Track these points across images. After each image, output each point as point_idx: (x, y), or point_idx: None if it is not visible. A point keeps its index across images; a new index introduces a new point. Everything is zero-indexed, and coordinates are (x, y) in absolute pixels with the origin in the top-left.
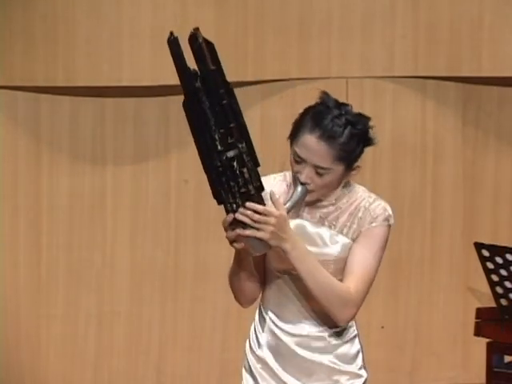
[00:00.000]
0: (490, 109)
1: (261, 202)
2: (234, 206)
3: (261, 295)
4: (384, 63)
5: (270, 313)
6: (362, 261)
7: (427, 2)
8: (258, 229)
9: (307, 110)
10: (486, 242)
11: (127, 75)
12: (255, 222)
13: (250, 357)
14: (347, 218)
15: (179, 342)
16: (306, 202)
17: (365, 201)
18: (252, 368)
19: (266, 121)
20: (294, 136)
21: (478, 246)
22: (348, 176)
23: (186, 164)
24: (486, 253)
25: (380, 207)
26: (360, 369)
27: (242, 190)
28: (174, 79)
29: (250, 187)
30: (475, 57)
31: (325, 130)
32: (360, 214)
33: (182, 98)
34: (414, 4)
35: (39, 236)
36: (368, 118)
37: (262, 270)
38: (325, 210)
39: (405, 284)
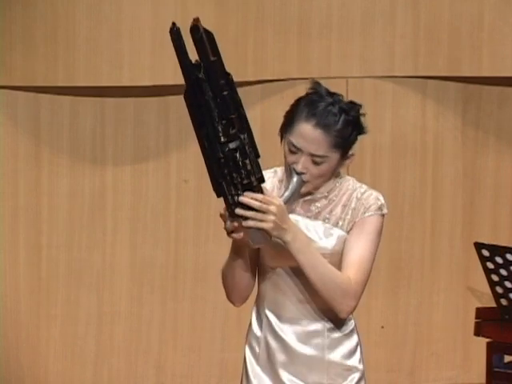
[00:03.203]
0: (490, 109)
1: (262, 193)
2: (236, 197)
3: (256, 294)
4: (384, 63)
5: (267, 311)
6: (358, 251)
7: (427, 1)
8: (259, 220)
9: (299, 101)
10: (486, 241)
11: (127, 75)
12: (257, 211)
13: (248, 355)
14: (341, 210)
15: (179, 341)
16: (301, 193)
17: (356, 191)
18: (249, 367)
19: (266, 121)
20: (287, 126)
21: (478, 246)
22: (342, 165)
23: (186, 164)
24: (486, 253)
25: (372, 197)
26: (359, 362)
27: (245, 181)
28: (173, 79)
29: (253, 178)
30: (475, 57)
31: (320, 118)
32: (353, 205)
33: (181, 98)
34: (414, 4)
35: (39, 236)
36: (359, 106)
37: (254, 267)
38: (318, 204)
39: (405, 284)
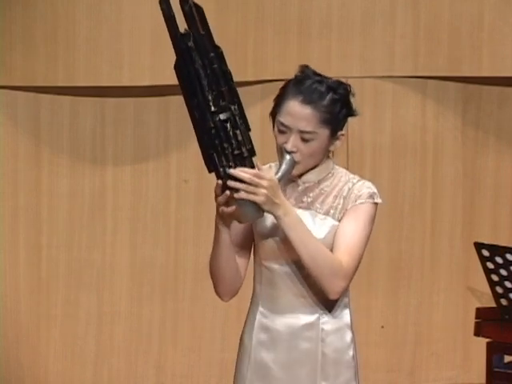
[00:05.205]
0: (490, 109)
1: (252, 165)
2: (227, 169)
3: (252, 292)
4: (384, 63)
5: (260, 307)
6: (349, 236)
7: (427, 1)
8: (251, 192)
9: (287, 82)
10: (486, 241)
11: (127, 75)
12: (248, 184)
13: (242, 352)
14: (333, 200)
15: (179, 341)
16: (293, 175)
17: (349, 182)
18: (243, 364)
19: (266, 121)
20: (276, 108)
21: (478, 246)
22: (332, 145)
23: (186, 164)
24: (485, 253)
25: (364, 186)
26: (352, 359)
27: (236, 151)
28: (173, 79)
29: (244, 149)
30: (475, 57)
31: (307, 94)
32: (345, 194)
33: (182, 98)
34: (414, 4)
35: (39, 236)
36: (347, 85)
37: (243, 262)
38: (311, 194)
39: (405, 284)
